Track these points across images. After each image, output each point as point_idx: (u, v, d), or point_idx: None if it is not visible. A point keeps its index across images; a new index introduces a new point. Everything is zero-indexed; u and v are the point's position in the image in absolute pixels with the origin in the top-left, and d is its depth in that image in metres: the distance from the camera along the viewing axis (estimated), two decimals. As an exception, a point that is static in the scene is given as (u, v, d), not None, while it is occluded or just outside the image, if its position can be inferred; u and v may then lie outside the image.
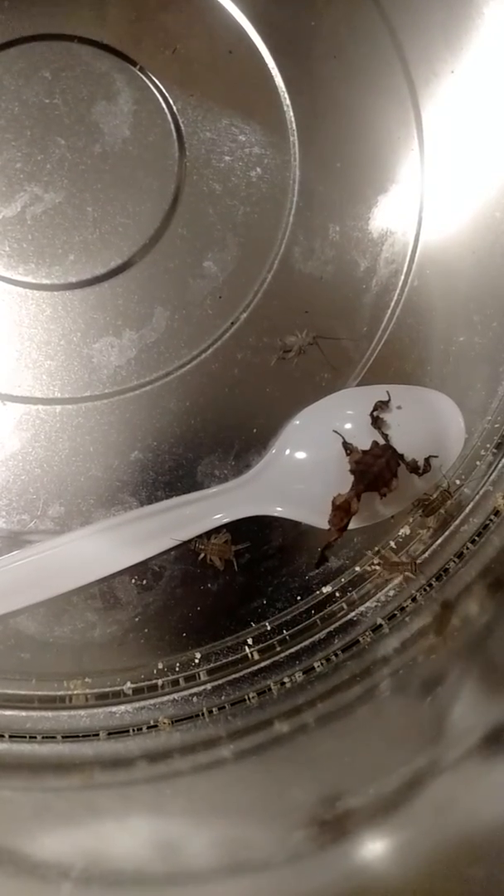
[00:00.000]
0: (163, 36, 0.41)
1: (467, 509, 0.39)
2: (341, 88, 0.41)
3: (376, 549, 0.39)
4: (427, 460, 0.38)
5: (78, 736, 0.38)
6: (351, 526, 0.37)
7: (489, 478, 0.39)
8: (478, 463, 0.40)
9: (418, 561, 0.39)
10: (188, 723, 0.38)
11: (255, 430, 0.40)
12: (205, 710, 0.38)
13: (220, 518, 0.39)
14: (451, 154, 0.41)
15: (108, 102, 0.41)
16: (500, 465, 0.39)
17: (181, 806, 0.36)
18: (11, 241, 0.40)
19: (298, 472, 0.40)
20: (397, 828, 0.29)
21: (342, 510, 0.36)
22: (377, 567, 0.39)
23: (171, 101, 0.41)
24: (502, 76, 0.41)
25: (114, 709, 0.39)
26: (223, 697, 0.39)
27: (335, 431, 0.39)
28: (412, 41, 0.41)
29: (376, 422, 0.38)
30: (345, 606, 0.39)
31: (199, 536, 0.39)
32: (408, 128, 0.41)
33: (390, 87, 0.41)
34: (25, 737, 0.38)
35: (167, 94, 0.41)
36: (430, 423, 0.39)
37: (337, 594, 0.40)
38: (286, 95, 0.41)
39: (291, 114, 0.41)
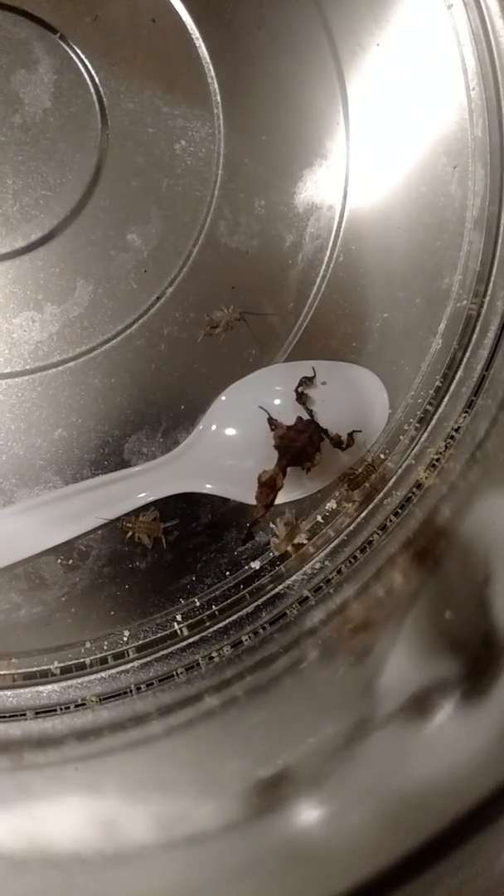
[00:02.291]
0: (84, 3, 0.40)
1: (390, 483, 0.39)
2: (267, 60, 0.40)
3: (285, 521, 0.40)
4: (350, 435, 0.38)
5: (5, 716, 0.38)
6: (278, 501, 0.37)
7: (412, 452, 0.40)
8: (401, 437, 0.40)
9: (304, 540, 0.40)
10: (117, 700, 0.38)
11: (182, 407, 0.40)
12: (133, 686, 0.38)
13: (148, 496, 0.39)
14: (376, 128, 0.41)
15: (28, 71, 0.39)
16: (422, 439, 0.40)
17: (116, 784, 0.36)
18: None
19: (226, 448, 0.39)
20: (332, 793, 0.29)
21: (268, 486, 0.36)
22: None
23: (92, 71, 0.40)
24: (428, 50, 0.41)
25: (41, 688, 0.38)
26: (151, 674, 0.39)
27: (261, 407, 0.39)
28: (338, 13, 0.41)
29: (301, 397, 0.38)
30: (273, 580, 0.40)
31: (127, 514, 0.39)
32: (333, 101, 0.41)
33: (316, 60, 0.41)
34: (-49, 719, 0.37)
35: (89, 64, 0.40)
36: (354, 398, 0.40)
37: (266, 568, 0.40)
38: (210, 67, 0.40)
39: (216, 85, 0.40)
